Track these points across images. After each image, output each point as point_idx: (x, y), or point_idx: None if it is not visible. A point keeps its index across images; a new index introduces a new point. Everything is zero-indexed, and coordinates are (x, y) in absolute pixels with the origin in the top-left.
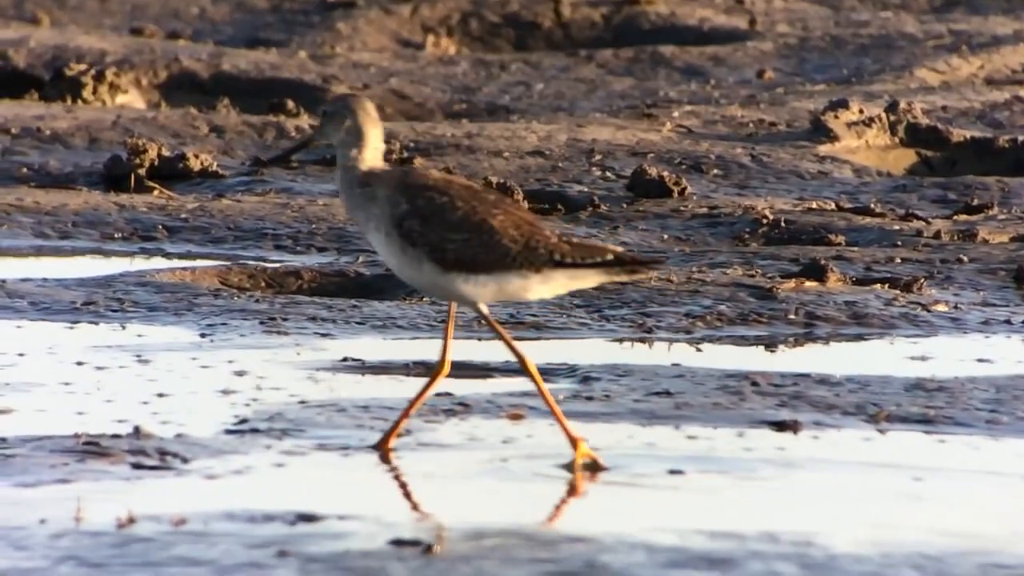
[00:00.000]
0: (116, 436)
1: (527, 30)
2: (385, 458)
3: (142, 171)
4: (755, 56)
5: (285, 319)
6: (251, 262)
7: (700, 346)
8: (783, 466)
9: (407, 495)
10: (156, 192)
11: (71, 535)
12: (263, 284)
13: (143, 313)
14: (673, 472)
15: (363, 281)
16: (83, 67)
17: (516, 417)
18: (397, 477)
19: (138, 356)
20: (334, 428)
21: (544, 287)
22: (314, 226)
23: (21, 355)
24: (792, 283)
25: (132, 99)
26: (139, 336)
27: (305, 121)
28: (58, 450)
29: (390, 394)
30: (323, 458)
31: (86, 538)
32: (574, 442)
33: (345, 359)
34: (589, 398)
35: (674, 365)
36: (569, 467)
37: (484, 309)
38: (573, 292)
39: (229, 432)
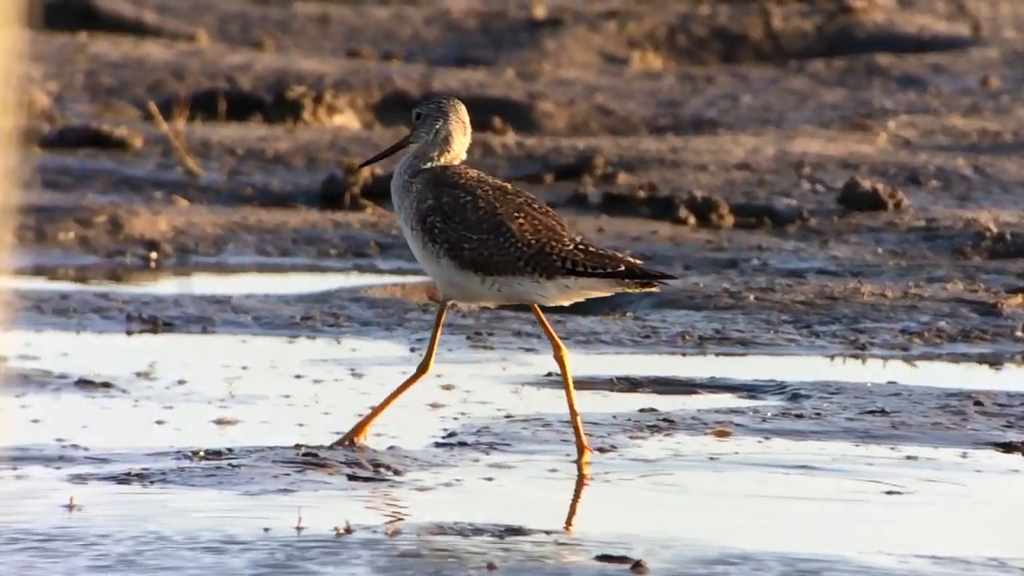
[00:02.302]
0: (333, 448)
1: (735, 42)
2: (585, 472)
3: (356, 189)
4: (978, 63)
5: (491, 334)
6: None
7: (917, 363)
8: (1011, 489)
9: (613, 510)
10: (369, 210)
11: (293, 542)
12: None
13: (357, 328)
14: (891, 492)
15: None
16: (303, 89)
17: (722, 434)
18: (603, 492)
19: (352, 370)
20: (540, 443)
21: (558, 293)
22: None
23: (245, 368)
24: (1019, 298)
25: (348, 119)
26: (353, 350)
27: (511, 138)
28: (280, 460)
29: (594, 409)
30: (530, 472)
31: (307, 547)
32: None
33: (549, 374)
34: (799, 416)
35: (889, 383)
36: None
37: (491, 305)
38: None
39: (438, 445)
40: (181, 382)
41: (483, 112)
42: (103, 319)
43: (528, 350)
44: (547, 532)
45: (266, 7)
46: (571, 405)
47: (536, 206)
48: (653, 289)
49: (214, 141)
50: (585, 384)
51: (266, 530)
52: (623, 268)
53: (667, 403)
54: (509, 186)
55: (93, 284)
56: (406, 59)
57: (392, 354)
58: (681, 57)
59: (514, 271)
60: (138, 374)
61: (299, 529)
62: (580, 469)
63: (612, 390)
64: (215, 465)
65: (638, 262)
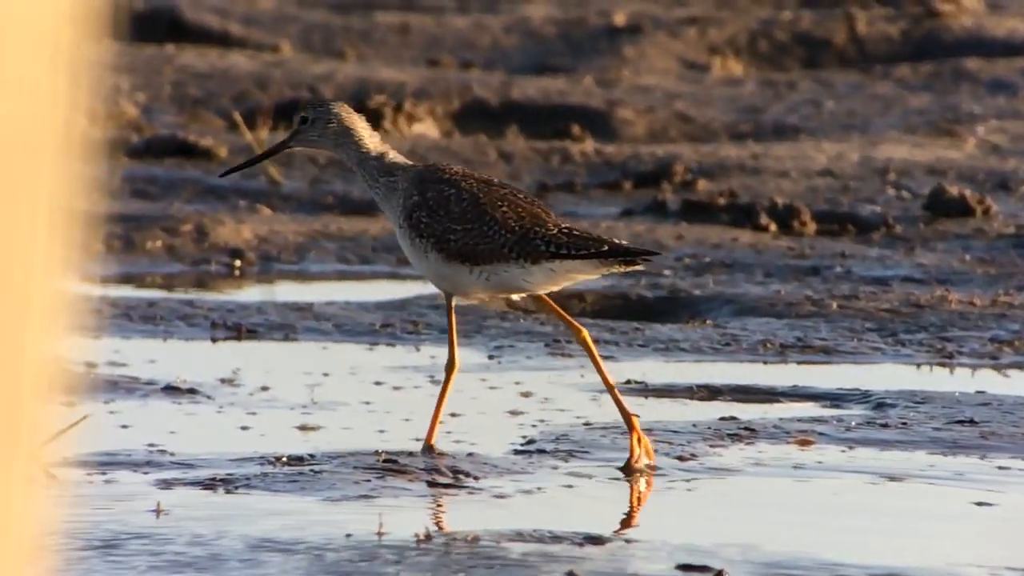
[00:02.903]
0: (412, 454)
1: (818, 48)
2: (646, 481)
3: None
4: None
5: (569, 341)
6: None
7: (1007, 372)
8: None
9: (694, 519)
10: None
11: (374, 547)
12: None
13: (435, 335)
14: (980, 504)
15: (646, 304)
16: (383, 98)
17: (805, 443)
18: (683, 500)
19: (431, 377)
20: (618, 450)
21: (545, 278)
22: None
23: (326, 375)
24: None
25: (427, 128)
26: (432, 357)
27: (590, 146)
28: (361, 467)
29: (673, 417)
30: (609, 480)
31: (388, 552)
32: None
33: (628, 381)
34: (884, 425)
35: (978, 392)
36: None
37: (485, 297)
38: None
39: (517, 452)
40: (264, 388)
41: (562, 119)
42: (189, 326)
43: (606, 357)
44: (627, 540)
45: (348, 17)
46: (605, 380)
47: (521, 196)
48: (638, 268)
49: (296, 150)
50: (664, 392)
51: (348, 536)
52: (606, 248)
53: (748, 411)
54: (495, 180)
55: (179, 292)
56: (485, 67)
57: (470, 361)
58: (762, 63)
59: (499, 258)
60: (222, 380)
61: (380, 535)
62: (635, 441)
63: (692, 398)
64: (297, 471)
65: (623, 242)
